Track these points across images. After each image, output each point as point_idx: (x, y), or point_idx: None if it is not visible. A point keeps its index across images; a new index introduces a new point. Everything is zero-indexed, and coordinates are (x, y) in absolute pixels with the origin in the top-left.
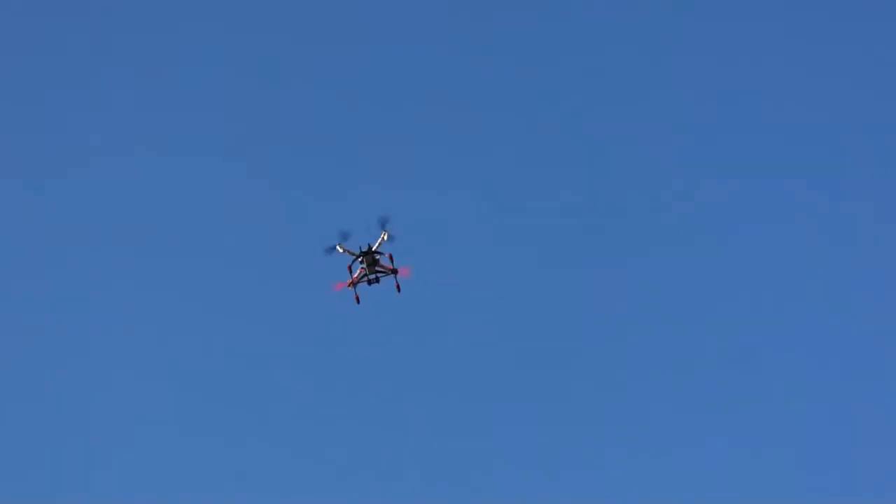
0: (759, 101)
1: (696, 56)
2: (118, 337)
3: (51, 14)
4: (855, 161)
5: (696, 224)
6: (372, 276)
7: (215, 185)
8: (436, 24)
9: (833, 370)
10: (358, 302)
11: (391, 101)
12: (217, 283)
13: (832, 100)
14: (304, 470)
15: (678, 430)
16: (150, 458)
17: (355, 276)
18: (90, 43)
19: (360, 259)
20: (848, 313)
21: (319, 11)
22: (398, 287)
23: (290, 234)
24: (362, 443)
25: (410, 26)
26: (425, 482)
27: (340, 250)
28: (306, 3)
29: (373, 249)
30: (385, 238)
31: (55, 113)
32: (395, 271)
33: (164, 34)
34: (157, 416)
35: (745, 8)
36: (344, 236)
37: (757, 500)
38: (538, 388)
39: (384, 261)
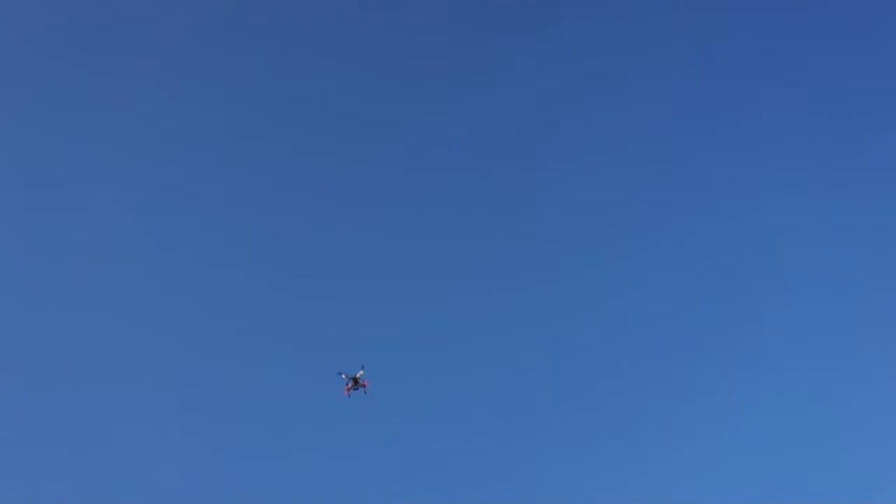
0: (761, 101)
1: (696, 57)
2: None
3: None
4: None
5: (701, 225)
6: (356, 389)
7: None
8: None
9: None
10: (349, 396)
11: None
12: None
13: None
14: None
15: (680, 431)
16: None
17: (349, 385)
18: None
19: (351, 381)
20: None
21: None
22: (366, 391)
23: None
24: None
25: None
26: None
27: (344, 377)
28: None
29: (356, 378)
30: (362, 373)
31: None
32: (364, 386)
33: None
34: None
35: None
36: (345, 373)
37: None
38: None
39: (362, 380)
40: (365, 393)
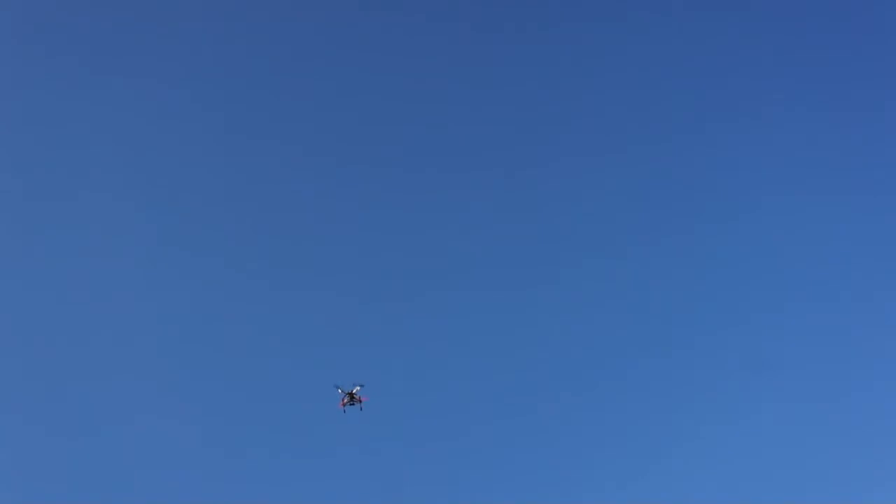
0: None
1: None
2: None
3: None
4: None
5: (700, 225)
6: (352, 404)
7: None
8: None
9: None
10: (344, 411)
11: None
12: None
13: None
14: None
15: (679, 431)
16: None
17: (345, 400)
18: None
19: (346, 396)
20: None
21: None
22: (361, 407)
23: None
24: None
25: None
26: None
27: (340, 391)
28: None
29: (352, 393)
30: (358, 389)
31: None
32: (360, 401)
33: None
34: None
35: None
36: (341, 385)
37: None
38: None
39: (358, 395)
40: (361, 409)
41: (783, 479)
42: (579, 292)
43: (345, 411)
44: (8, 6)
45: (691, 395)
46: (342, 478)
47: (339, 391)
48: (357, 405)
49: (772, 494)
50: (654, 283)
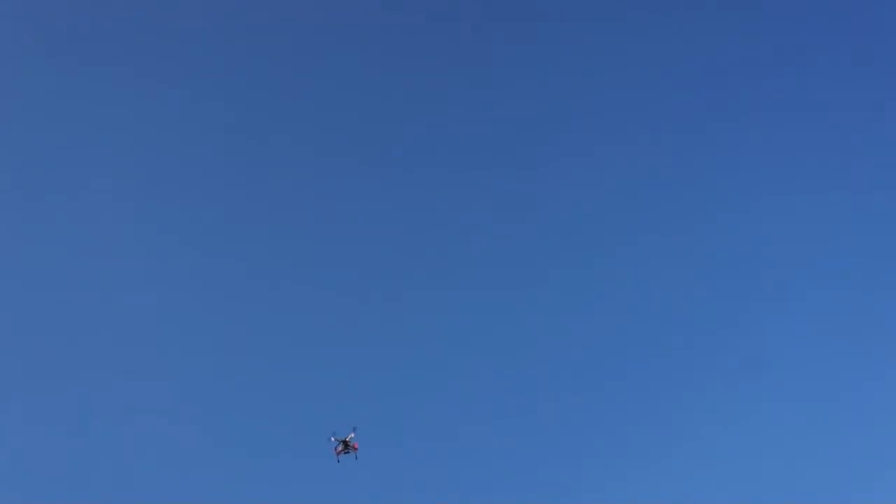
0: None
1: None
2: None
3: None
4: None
5: (700, 225)
6: (346, 452)
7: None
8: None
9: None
10: (338, 461)
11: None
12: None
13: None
14: None
15: (676, 431)
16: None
17: (339, 448)
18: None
19: (341, 445)
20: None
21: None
22: (356, 456)
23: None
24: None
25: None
26: None
27: (333, 439)
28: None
29: (346, 441)
30: (352, 436)
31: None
32: (355, 448)
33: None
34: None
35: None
36: (337, 434)
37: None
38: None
39: (353, 443)
40: (356, 458)
41: (783, 479)
42: (580, 292)
43: (339, 461)
44: (8, 6)
45: (691, 395)
46: (342, 478)
47: (333, 439)
48: (352, 453)
49: (772, 494)
50: (655, 283)
